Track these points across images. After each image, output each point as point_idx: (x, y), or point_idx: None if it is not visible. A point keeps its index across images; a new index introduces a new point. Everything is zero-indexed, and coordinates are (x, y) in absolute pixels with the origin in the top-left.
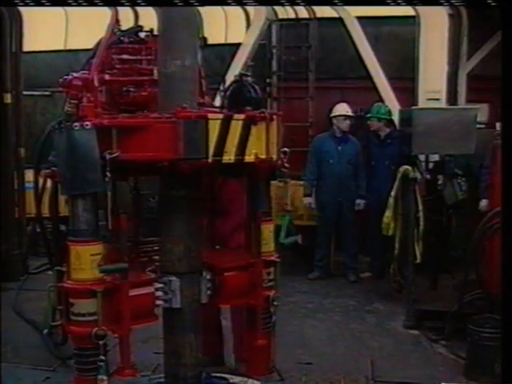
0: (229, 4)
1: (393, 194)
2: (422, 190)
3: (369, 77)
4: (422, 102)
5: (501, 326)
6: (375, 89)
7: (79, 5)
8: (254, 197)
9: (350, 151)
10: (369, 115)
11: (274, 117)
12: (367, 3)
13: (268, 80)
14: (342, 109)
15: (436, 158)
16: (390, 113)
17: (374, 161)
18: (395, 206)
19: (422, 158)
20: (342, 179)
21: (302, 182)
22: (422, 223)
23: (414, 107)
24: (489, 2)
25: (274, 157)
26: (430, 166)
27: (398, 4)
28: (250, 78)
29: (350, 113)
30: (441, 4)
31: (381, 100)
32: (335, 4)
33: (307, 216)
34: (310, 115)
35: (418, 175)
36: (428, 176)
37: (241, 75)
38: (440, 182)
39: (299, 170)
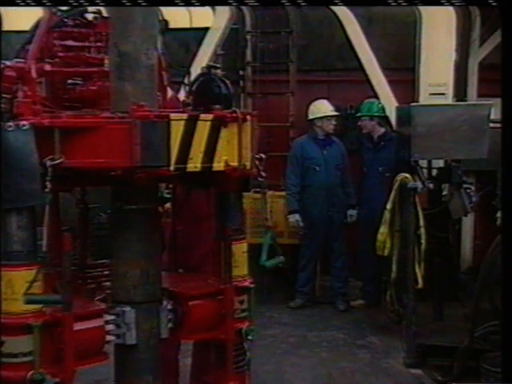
0: (229, 4)
1: (388, 206)
2: (423, 202)
3: (360, 68)
4: (424, 98)
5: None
6: (368, 82)
7: (80, 5)
8: (223, 211)
9: (335, 155)
10: (359, 114)
11: (248, 117)
12: (367, 3)
13: (241, 72)
14: (326, 108)
15: (440, 164)
16: (383, 110)
17: (367, 167)
18: (391, 220)
19: (423, 163)
20: (331, 188)
21: (281, 193)
22: (423, 241)
23: (413, 104)
24: (489, 2)
25: (248, 164)
26: (433, 173)
27: (399, 4)
28: (219, 71)
29: (334, 111)
30: (441, 4)
31: (375, 95)
32: (335, 4)
33: (288, 233)
34: (291, 113)
35: (419, 184)
36: (431, 185)
37: (209, 67)
38: (445, 193)
39: (278, 179)
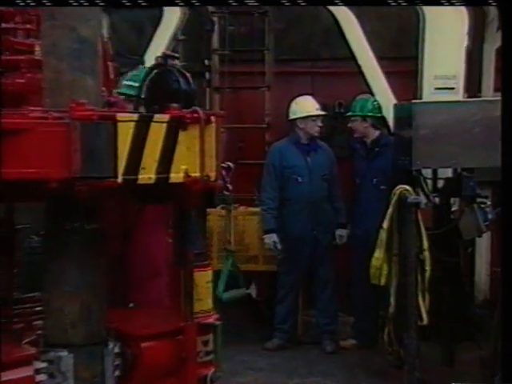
0: (229, 4)
1: (385, 225)
2: (427, 220)
3: (351, 57)
4: (429, 93)
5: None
6: (361, 74)
7: (80, 5)
8: (183, 232)
9: (322, 162)
10: (350, 113)
11: (213, 117)
12: (367, 3)
13: (206, 62)
14: (311, 106)
15: (448, 173)
16: (379, 108)
17: (359, 178)
18: (389, 242)
19: (427, 173)
20: (316, 203)
21: (255, 209)
22: (428, 267)
23: (415, 101)
24: (489, 2)
25: (213, 174)
26: (440, 185)
27: (399, 4)
28: (178, 61)
29: (320, 110)
30: (441, 4)
31: (369, 91)
32: (335, 4)
33: (264, 258)
34: (267, 113)
35: (422, 199)
36: (436, 200)
37: (165, 56)
38: (454, 209)
39: (252, 192)
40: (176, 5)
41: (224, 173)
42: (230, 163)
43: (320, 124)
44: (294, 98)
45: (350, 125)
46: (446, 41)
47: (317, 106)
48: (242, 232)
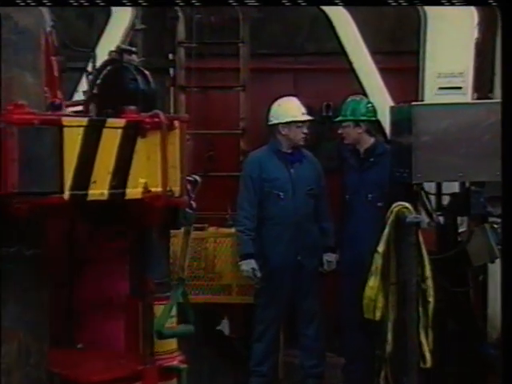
0: (229, 4)
1: (381, 249)
2: (430, 243)
3: (341, 51)
4: (432, 94)
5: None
6: (352, 71)
7: (80, 5)
8: (142, 257)
9: (307, 175)
10: (340, 118)
11: (177, 122)
12: (367, 3)
13: (170, 56)
14: (296, 109)
15: (455, 188)
16: (374, 111)
17: (350, 193)
18: (385, 269)
19: (430, 188)
20: (301, 223)
21: (229, 230)
22: (431, 299)
23: (416, 103)
24: (489, 2)
25: (177, 189)
26: (445, 201)
27: (399, 4)
28: (135, 56)
29: (306, 115)
30: (441, 4)
31: (362, 91)
32: (335, 4)
33: (238, 287)
34: (243, 117)
35: (424, 218)
36: (441, 219)
37: (121, 50)
38: (462, 229)
39: (225, 210)
40: (176, 5)
41: (189, 187)
42: (196, 176)
43: (305, 131)
44: (275, 99)
45: (340, 131)
46: (451, 32)
47: (303, 109)
48: (213, 257)
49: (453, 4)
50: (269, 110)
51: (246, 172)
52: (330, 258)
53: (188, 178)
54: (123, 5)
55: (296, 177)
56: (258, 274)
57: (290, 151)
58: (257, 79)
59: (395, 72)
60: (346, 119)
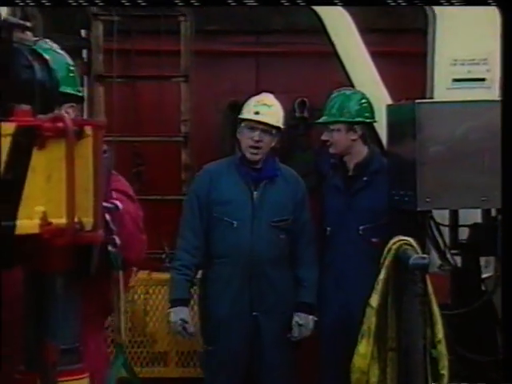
0: (228, 4)
1: (374, 301)
2: (443, 293)
3: (320, 28)
4: (444, 88)
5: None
6: (336, 56)
7: (79, 5)
8: (40, 315)
9: (279, 200)
10: (322, 119)
11: (90, 127)
12: (367, 3)
13: (83, 33)
14: (252, 104)
15: (476, 217)
16: (371, 110)
17: (333, 224)
18: (381, 329)
19: (442, 216)
20: (260, 266)
21: (165, 276)
22: (445, 371)
23: (421, 100)
24: (489, 2)
25: (89, 220)
26: (463, 235)
27: (398, 4)
28: (30, 33)
29: (277, 119)
30: (441, 4)
31: (349, 83)
32: (335, 4)
33: (179, 356)
34: (185, 118)
35: (434, 258)
36: (458, 260)
37: (9, 25)
38: (488, 274)
39: (161, 247)
40: (175, 5)
41: (108, 217)
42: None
43: (256, 138)
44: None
45: (325, 137)
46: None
47: (261, 107)
48: (144, 313)
49: (452, 4)
50: (232, 110)
51: (193, 189)
52: (302, 319)
53: (106, 204)
54: (122, 5)
55: (260, 201)
56: (191, 330)
57: (258, 166)
58: (204, 66)
59: (394, 57)
60: (336, 120)
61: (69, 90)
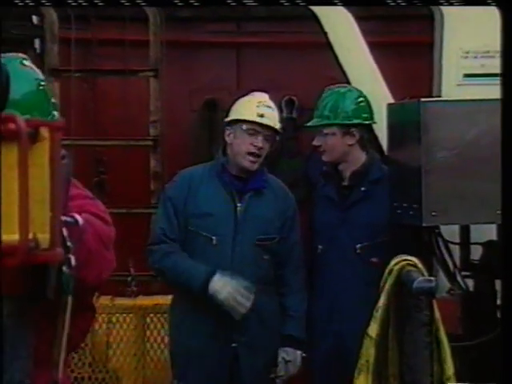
0: (228, 4)
1: (373, 332)
2: (453, 322)
3: (310, 15)
4: (453, 84)
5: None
6: (329, 47)
7: (79, 5)
8: None
9: (266, 215)
10: (313, 122)
11: (45, 129)
12: (367, 3)
13: (35, 20)
14: (253, 106)
15: (491, 233)
16: (369, 111)
17: (326, 242)
18: (381, 363)
19: (451, 233)
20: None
21: (134, 301)
22: None
23: (427, 99)
24: (489, 2)
25: (45, 237)
26: (476, 255)
27: (398, 4)
28: None
29: (278, 123)
30: (440, 4)
31: (344, 79)
32: (335, 4)
33: None
34: (154, 118)
35: (442, 282)
36: (469, 284)
37: None
38: None
39: (125, 269)
40: (175, 5)
41: (65, 232)
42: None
43: (260, 144)
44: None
45: (317, 142)
46: None
47: (266, 110)
48: (107, 346)
49: (451, 4)
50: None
51: (167, 197)
52: (289, 355)
53: (64, 218)
54: (122, 5)
55: (244, 215)
56: (247, 296)
57: (242, 175)
58: (176, 59)
59: (396, 48)
60: (330, 123)
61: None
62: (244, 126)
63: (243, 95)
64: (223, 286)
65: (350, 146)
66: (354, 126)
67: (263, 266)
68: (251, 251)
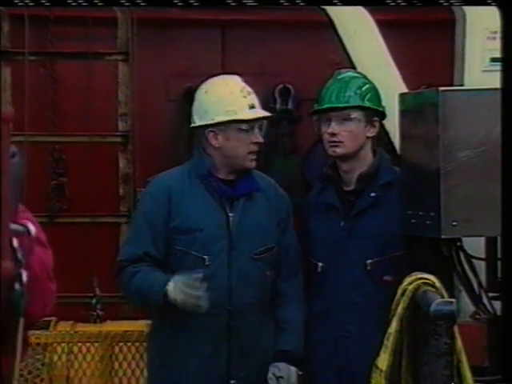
0: (228, 4)
1: (383, 363)
2: (478, 352)
3: None
4: (476, 70)
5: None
6: (331, 26)
7: (79, 5)
8: None
9: (262, 223)
10: (318, 106)
11: None
12: (367, 3)
13: None
14: (238, 97)
15: None
16: (378, 99)
17: (327, 258)
18: None
19: (475, 246)
20: (244, 317)
21: (99, 327)
22: None
23: (445, 88)
24: (489, 2)
25: None
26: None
27: (398, 4)
28: None
29: (260, 110)
30: (440, 4)
31: (349, 64)
32: (335, 4)
33: None
34: (124, 111)
35: (464, 304)
36: (496, 306)
37: None
38: None
39: (89, 289)
40: (174, 5)
41: (16, 244)
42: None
43: (259, 139)
44: (199, 79)
45: (335, 129)
46: None
47: (251, 98)
48: (67, 381)
49: (451, 4)
50: (186, 100)
51: (141, 213)
52: (280, 370)
53: (14, 226)
54: (121, 5)
55: (238, 227)
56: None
57: (230, 177)
58: (150, 40)
59: (409, 28)
60: (349, 106)
61: None
62: (243, 126)
63: (198, 85)
64: (175, 288)
65: (367, 139)
66: (379, 112)
67: (265, 285)
68: (251, 268)
